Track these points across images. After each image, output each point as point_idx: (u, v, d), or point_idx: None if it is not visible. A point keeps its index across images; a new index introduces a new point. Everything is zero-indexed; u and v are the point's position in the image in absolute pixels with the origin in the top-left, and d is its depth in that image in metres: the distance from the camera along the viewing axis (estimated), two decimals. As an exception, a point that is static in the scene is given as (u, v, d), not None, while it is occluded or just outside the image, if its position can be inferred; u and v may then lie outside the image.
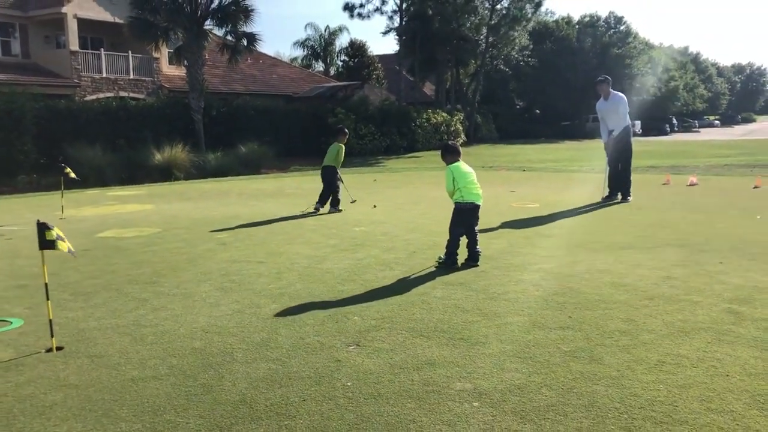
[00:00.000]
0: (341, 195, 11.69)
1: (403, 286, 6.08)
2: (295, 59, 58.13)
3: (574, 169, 20.70)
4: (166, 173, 21.65)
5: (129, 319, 5.25)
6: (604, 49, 58.94)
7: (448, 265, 6.76)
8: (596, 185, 12.43)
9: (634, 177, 12.37)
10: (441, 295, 5.72)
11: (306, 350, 4.42)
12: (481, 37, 47.22)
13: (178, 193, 15.98)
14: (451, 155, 7.13)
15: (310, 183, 18.20)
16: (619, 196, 12.11)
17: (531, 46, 55.10)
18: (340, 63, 54.64)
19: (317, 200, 11.58)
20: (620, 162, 12.08)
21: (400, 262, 7.08)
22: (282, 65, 44.03)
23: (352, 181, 18.41)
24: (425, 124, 36.36)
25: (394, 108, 35.69)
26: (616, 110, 11.94)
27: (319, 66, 57.02)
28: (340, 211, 11.46)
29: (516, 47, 52.38)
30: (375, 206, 12.00)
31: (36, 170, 20.79)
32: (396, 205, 12.20)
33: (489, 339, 4.54)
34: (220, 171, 22.63)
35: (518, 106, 64.18)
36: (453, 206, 6.92)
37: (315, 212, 11.38)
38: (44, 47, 29.55)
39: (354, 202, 12.34)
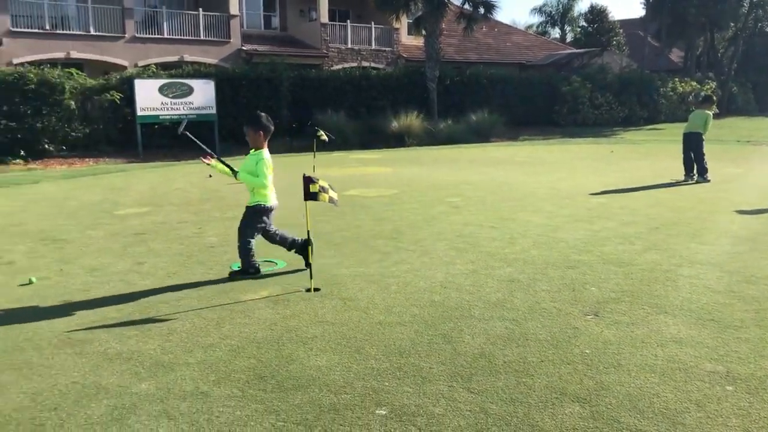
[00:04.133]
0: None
1: (644, 261, 5.79)
2: (530, 26, 56.79)
3: None
4: (400, 139, 22.65)
5: (374, 269, 5.68)
6: None
7: (252, 273, 5.44)
8: None
9: None
10: (688, 273, 5.35)
11: (542, 314, 4.44)
12: (745, -5, 41.97)
13: (412, 159, 16.67)
14: (267, 135, 5.39)
15: (541, 152, 17.88)
16: None
17: (808, 4, 47.69)
18: (578, 29, 52.26)
19: (686, 171, 11.32)
20: None
21: (641, 237, 6.73)
22: (517, 33, 43.29)
23: (587, 151, 17.74)
24: (670, 93, 33.50)
25: (635, 76, 33.35)
26: None
27: (555, 33, 55.07)
28: (708, 180, 11.02)
29: (788, 6, 45.72)
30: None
31: (289, 133, 22.99)
32: (635, 178, 11.53)
33: (745, 323, 4.17)
34: (450, 139, 23.10)
35: (784, 74, 56.17)
36: (253, 206, 5.41)
37: (686, 182, 11.08)
38: (298, 20, 32.24)
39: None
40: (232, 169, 5.47)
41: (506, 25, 43.59)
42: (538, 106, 30.18)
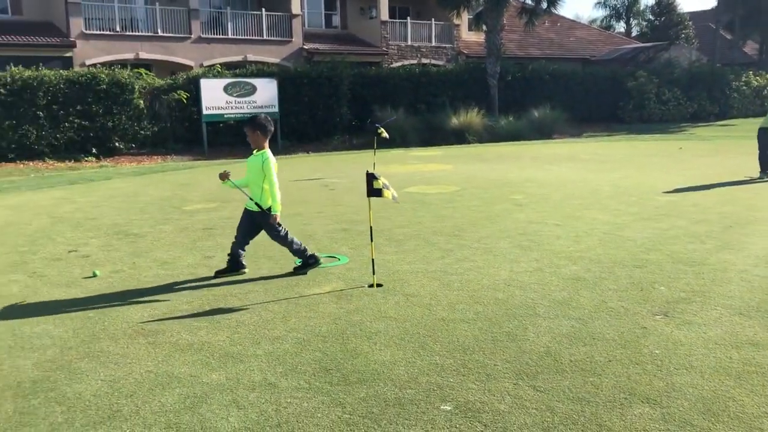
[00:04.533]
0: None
1: (717, 260, 5.59)
2: (594, 20, 55.54)
3: None
4: (460, 136, 22.50)
5: (436, 266, 5.68)
6: None
7: (312, 263, 5.56)
8: None
9: None
10: (765, 273, 5.14)
11: (609, 313, 4.35)
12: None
13: (473, 156, 16.55)
14: (266, 135, 5.46)
15: (606, 149, 17.47)
16: None
17: None
18: (644, 23, 50.76)
19: (762, 168, 10.89)
20: None
21: (712, 236, 6.50)
22: (580, 27, 42.37)
23: (654, 148, 17.24)
24: (743, 87, 32.19)
25: (705, 70, 32.16)
26: None
27: (620, 27, 53.65)
28: None
29: None
30: None
31: (348, 131, 23.17)
32: (706, 175, 11.14)
33: (827, 327, 3.99)
34: (511, 135, 22.81)
35: None
36: (269, 212, 5.42)
37: (762, 179, 10.65)
38: (359, 18, 32.43)
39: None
40: (262, 209, 5.43)
41: (569, 19, 42.75)
42: (602, 102, 29.49)
